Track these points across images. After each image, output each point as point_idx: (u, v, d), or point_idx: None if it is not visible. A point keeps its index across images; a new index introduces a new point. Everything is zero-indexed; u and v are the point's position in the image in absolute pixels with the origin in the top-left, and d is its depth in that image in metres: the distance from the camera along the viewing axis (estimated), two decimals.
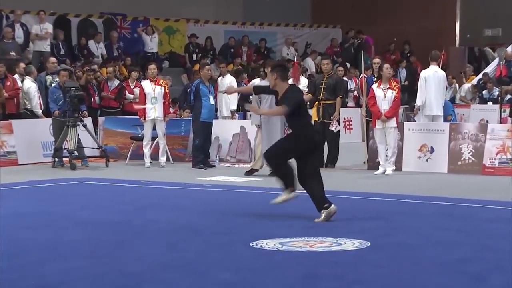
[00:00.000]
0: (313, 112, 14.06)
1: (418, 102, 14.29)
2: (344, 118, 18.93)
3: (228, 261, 6.72)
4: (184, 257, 6.89)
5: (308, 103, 15.47)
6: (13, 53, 18.22)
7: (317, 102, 13.95)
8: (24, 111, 15.97)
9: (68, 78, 14.98)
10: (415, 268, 6.46)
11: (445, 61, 17.23)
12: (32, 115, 15.86)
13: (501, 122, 16.75)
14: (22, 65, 16.70)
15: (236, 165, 14.57)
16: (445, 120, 14.81)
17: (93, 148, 14.77)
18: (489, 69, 22.25)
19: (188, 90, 15.14)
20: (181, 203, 10.17)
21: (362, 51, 15.55)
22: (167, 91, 14.64)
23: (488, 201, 10.03)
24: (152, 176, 12.87)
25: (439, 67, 14.44)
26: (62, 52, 20.02)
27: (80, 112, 14.40)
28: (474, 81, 22.30)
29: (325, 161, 14.02)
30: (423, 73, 14.37)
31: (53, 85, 16.01)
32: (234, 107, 16.58)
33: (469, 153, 13.24)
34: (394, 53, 25.06)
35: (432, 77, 14.13)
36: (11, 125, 14.98)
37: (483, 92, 21.31)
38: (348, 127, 19.55)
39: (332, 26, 27.11)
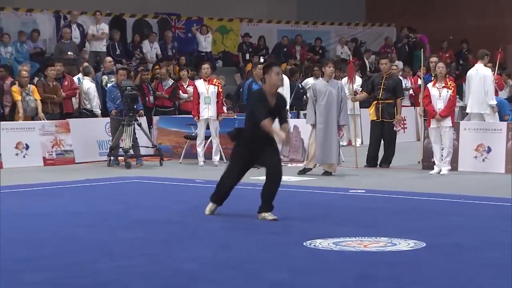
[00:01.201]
0: (371, 112, 13.97)
1: (465, 101, 14.27)
2: None
3: (282, 261, 6.69)
4: (237, 256, 6.89)
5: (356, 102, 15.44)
6: (70, 53, 18.51)
7: (375, 102, 13.84)
8: (83, 111, 16.24)
9: (126, 77, 15.17)
10: (472, 269, 6.35)
11: (502, 59, 16.92)
12: (92, 115, 16.13)
13: None
14: (85, 64, 16.99)
15: (289, 164, 14.53)
16: (502, 120, 14.58)
17: (148, 147, 14.92)
18: None
19: (240, 90, 15.17)
20: (234, 202, 10.16)
21: (422, 49, 15.40)
22: (220, 90, 14.68)
23: None
24: (206, 175, 12.92)
25: (490, 66, 14.26)
26: (118, 52, 20.25)
27: (136, 112, 14.54)
28: None
29: (379, 160, 13.95)
30: (468, 72, 14.32)
31: (109, 84, 16.24)
32: (287, 106, 16.49)
33: None
34: (447, 51, 24.69)
35: (473, 76, 14.00)
36: (68, 124, 15.23)
37: None
38: (402, 126, 19.34)
39: (387, 25, 26.87)
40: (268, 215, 8.54)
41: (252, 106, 8.82)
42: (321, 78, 13.46)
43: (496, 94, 15.53)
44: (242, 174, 8.84)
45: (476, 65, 14.24)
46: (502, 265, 6.49)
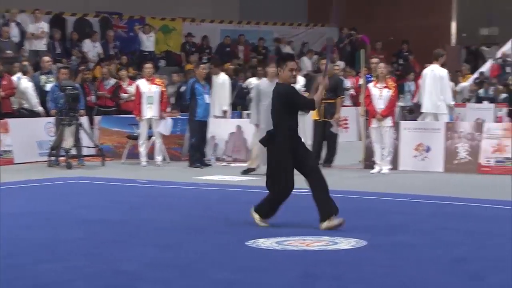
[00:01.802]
0: (314, 112, 14.06)
1: (419, 100, 14.55)
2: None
3: (225, 261, 6.69)
4: (180, 256, 6.87)
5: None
6: (9, 52, 18.19)
7: None
8: (22, 110, 15.96)
9: (67, 77, 14.96)
10: (413, 267, 6.44)
11: None
12: (31, 114, 15.86)
13: (496, 121, 16.80)
14: (23, 63, 16.70)
15: (232, 164, 14.55)
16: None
17: (90, 147, 14.75)
18: (484, 68, 22.24)
19: (181, 89, 15.12)
20: (177, 202, 10.15)
21: (363, 50, 15.56)
22: (163, 89, 14.62)
23: (486, 200, 10.02)
24: (148, 175, 12.85)
25: (440, 66, 14.47)
26: (58, 51, 19.98)
27: (77, 111, 14.36)
28: (470, 80, 22.30)
29: (322, 160, 14.04)
30: (423, 72, 14.56)
31: (48, 84, 16.01)
32: (226, 107, 16.56)
33: (465, 152, 13.25)
34: (382, 53, 24.95)
35: (428, 76, 14.22)
36: (7, 124, 14.95)
37: (479, 91, 21.29)
38: (344, 126, 19.53)
39: (328, 25, 27.09)
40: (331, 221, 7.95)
41: (292, 102, 8.12)
42: (264, 78, 13.50)
43: None
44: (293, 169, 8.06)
45: (431, 65, 14.40)
46: (444, 262, 6.60)
